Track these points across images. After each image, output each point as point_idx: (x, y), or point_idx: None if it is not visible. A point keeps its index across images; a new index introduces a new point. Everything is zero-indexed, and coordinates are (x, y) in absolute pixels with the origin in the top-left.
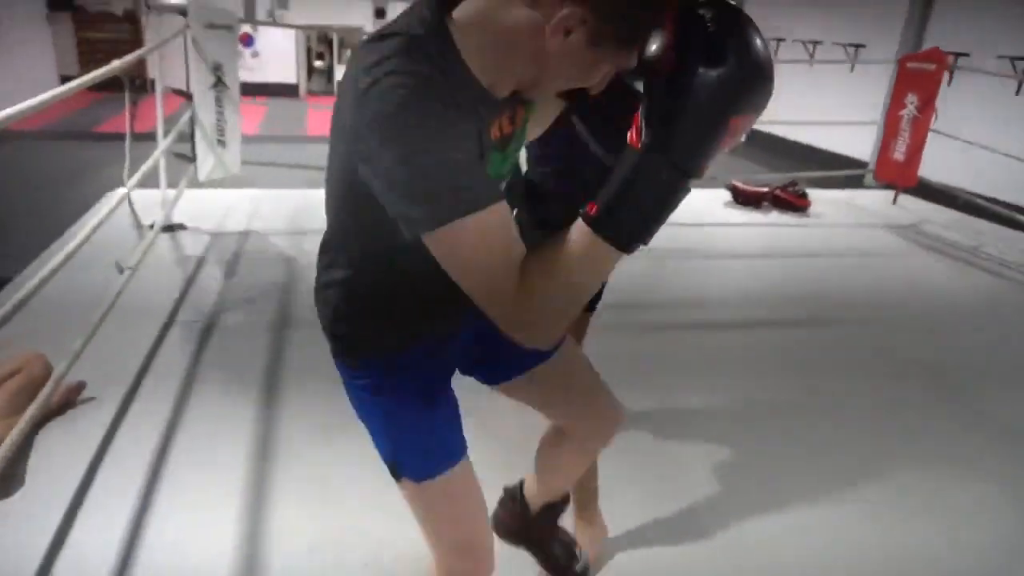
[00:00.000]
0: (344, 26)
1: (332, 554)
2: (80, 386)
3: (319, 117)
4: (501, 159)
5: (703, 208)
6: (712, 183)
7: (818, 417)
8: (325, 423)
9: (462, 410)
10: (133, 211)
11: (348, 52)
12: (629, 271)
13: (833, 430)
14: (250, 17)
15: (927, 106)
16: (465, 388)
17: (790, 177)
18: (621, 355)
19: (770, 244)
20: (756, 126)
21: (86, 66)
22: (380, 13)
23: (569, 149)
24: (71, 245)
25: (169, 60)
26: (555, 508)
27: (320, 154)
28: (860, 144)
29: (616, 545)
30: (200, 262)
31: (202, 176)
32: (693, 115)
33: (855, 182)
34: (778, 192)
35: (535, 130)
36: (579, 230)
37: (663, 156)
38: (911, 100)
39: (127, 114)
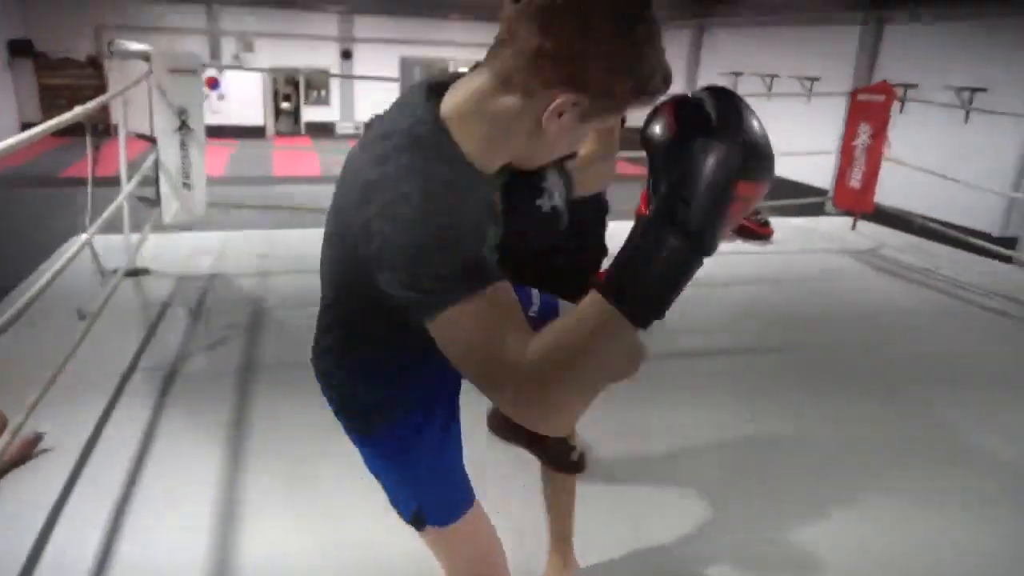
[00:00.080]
0: (311, 68)
1: None
2: (37, 438)
3: (286, 158)
4: (494, 235)
5: None
6: None
7: (783, 437)
8: (292, 471)
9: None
10: (95, 256)
11: (315, 93)
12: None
13: (797, 448)
14: (215, 61)
15: (879, 135)
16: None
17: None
18: None
19: (735, 272)
20: None
21: (48, 112)
22: (346, 54)
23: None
24: (31, 292)
25: (133, 105)
26: None
27: (287, 194)
28: (819, 173)
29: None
30: (164, 307)
31: (167, 220)
32: (698, 183)
33: (816, 209)
34: (742, 221)
35: None
36: (590, 303)
37: (672, 226)
38: (864, 130)
39: (89, 160)
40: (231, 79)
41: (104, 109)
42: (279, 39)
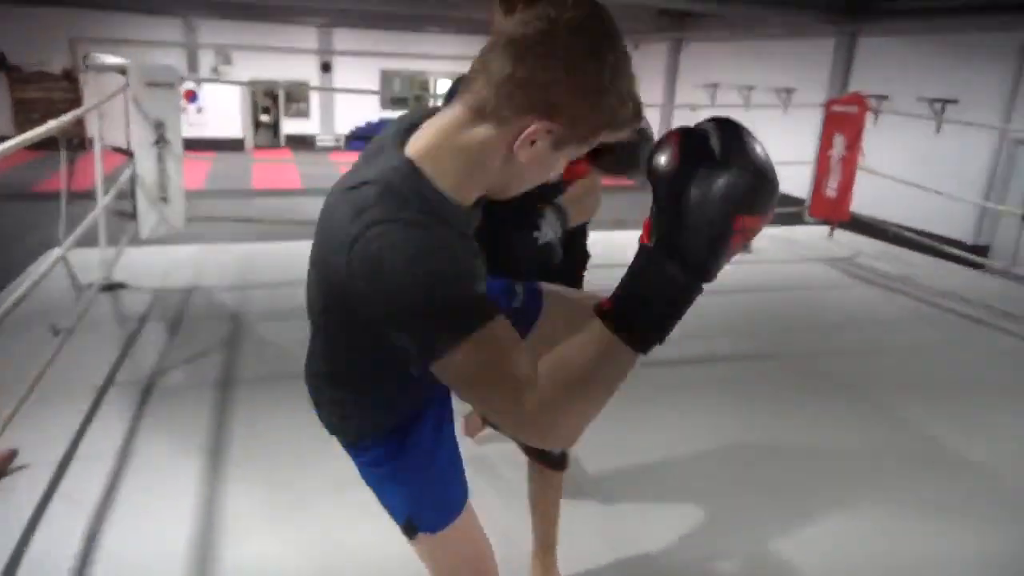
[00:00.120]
0: (290, 80)
1: None
2: (11, 454)
3: (265, 171)
4: (480, 263)
5: None
6: None
7: (766, 444)
8: (272, 485)
9: None
10: (69, 270)
11: (295, 106)
12: None
13: (780, 454)
14: (193, 74)
15: (853, 146)
16: None
17: None
18: None
19: (716, 281)
20: None
21: (22, 126)
22: (326, 67)
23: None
24: (4, 306)
25: (109, 118)
26: None
27: (267, 207)
28: (797, 183)
29: None
30: (142, 321)
31: (144, 233)
32: (699, 215)
33: (794, 219)
34: None
35: None
36: (593, 329)
37: (672, 257)
38: (839, 140)
39: (63, 173)
40: (209, 92)
41: (79, 122)
42: (258, 52)
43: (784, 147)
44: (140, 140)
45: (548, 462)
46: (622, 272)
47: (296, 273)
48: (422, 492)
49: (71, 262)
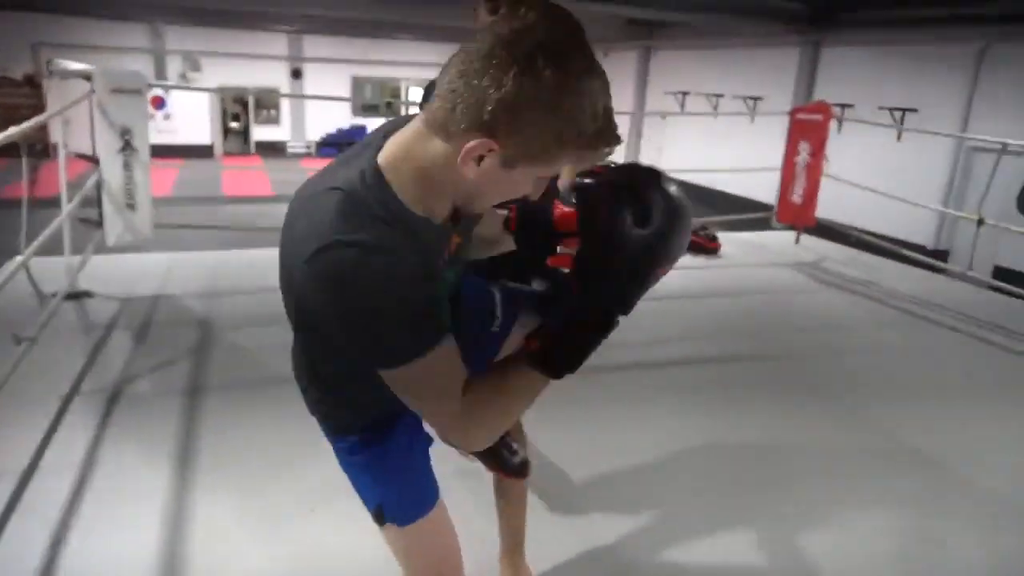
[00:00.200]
0: (260, 87)
1: None
2: None
3: (235, 178)
4: (453, 274)
5: None
6: None
7: (736, 445)
8: (242, 493)
9: None
10: (31, 279)
11: (265, 112)
12: None
13: (749, 455)
14: (161, 80)
15: (818, 153)
16: None
17: (701, 222)
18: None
19: (684, 285)
20: (669, 174)
21: None
22: (296, 73)
23: None
24: None
25: (74, 124)
26: None
27: (237, 214)
28: (764, 188)
29: None
30: (108, 330)
31: (110, 241)
32: (624, 270)
33: (762, 224)
34: (692, 238)
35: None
36: (520, 363)
37: (599, 306)
38: (804, 148)
39: (24, 180)
40: (178, 98)
41: (43, 129)
42: (227, 58)
43: (752, 154)
44: (106, 147)
45: (508, 472)
46: None
47: (266, 280)
48: (395, 486)
49: (34, 270)
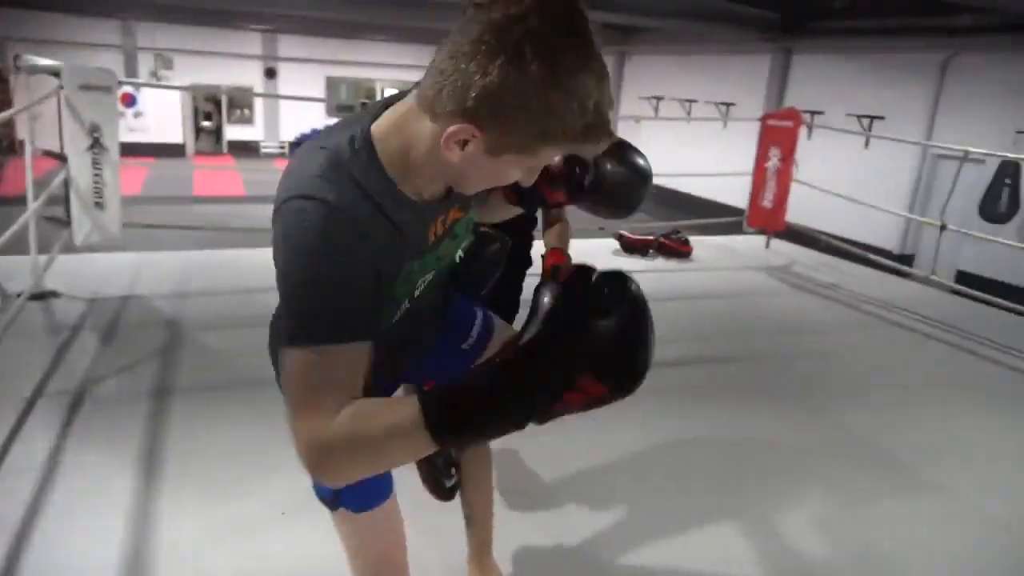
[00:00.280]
0: (233, 86)
1: None
2: None
3: (207, 177)
4: (435, 259)
5: (593, 257)
6: (600, 233)
7: (707, 447)
8: (210, 497)
9: None
10: None
11: (238, 111)
12: (521, 317)
13: (718, 456)
14: (132, 77)
15: (788, 158)
16: None
17: (673, 225)
18: None
19: (656, 288)
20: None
21: None
22: (270, 73)
23: None
24: None
25: (42, 121)
26: None
27: (208, 214)
28: (736, 193)
29: None
30: (74, 330)
31: (78, 240)
32: (546, 358)
33: (733, 228)
34: (663, 240)
35: (491, 217)
36: (408, 411)
37: (510, 382)
38: (774, 153)
39: None
40: (149, 96)
41: (9, 125)
42: (200, 56)
43: (724, 159)
44: (74, 144)
45: (435, 491)
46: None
47: (238, 281)
48: None
49: None
